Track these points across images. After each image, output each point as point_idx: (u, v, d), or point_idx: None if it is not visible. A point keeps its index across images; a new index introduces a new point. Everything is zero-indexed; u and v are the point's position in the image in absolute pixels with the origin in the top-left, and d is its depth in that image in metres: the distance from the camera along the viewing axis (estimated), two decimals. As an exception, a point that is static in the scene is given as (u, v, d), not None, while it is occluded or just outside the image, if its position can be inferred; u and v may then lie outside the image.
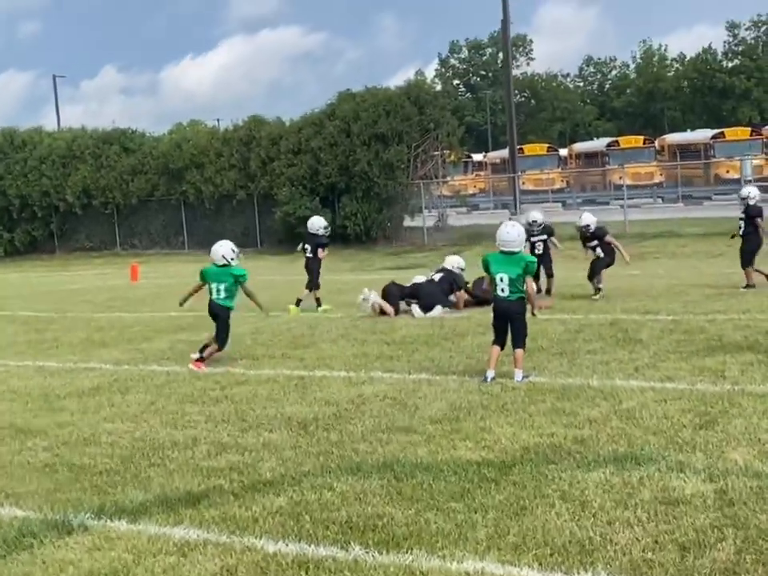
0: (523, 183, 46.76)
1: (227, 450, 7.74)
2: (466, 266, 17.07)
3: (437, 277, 16.77)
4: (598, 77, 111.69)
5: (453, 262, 17.24)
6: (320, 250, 17.98)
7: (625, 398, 8.74)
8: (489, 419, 8.24)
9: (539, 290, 15.96)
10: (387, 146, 36.98)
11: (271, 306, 14.33)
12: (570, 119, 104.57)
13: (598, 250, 17.28)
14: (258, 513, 6.05)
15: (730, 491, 5.92)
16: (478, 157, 68.68)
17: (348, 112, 37.97)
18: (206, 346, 12.14)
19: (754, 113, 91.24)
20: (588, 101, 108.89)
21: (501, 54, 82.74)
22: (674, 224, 32.55)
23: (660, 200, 48.16)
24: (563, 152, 64.71)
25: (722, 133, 53.54)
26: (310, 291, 17.67)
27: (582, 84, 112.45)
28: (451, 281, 16.61)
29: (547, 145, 66.99)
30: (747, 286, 16.99)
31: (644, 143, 57.47)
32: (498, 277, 10.10)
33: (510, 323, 10.12)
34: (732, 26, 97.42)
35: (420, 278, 17.08)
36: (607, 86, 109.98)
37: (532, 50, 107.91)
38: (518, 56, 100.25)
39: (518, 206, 37.68)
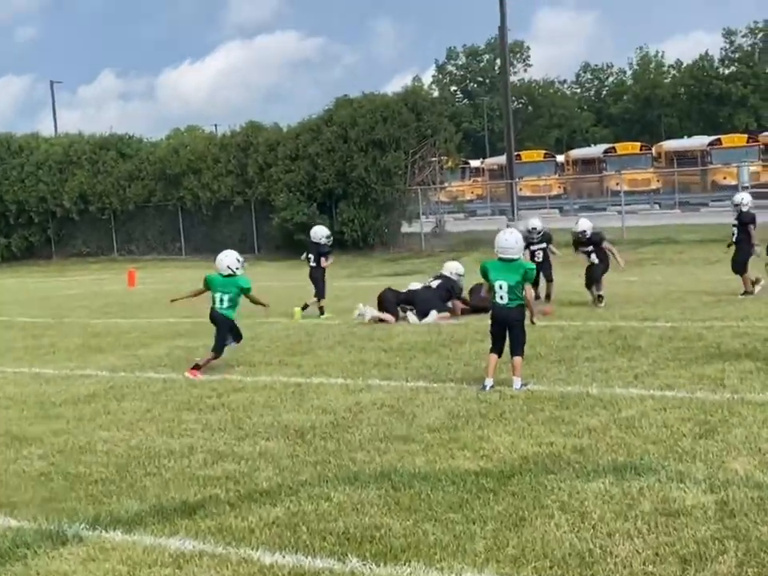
0: (520, 189, 46.72)
1: (223, 458, 7.68)
2: (464, 272, 17.02)
3: (434, 283, 16.72)
4: (595, 83, 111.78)
5: (451, 268, 17.17)
6: (323, 259, 17.99)
7: (624, 406, 8.69)
8: (487, 428, 8.18)
9: (538, 297, 15.92)
10: (384, 152, 36.94)
11: (269, 312, 14.27)
12: (567, 126, 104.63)
13: (593, 255, 17.22)
14: (255, 523, 5.99)
15: (731, 502, 5.87)
16: (475, 163, 68.69)
17: (345, 118, 37.93)
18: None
19: (750, 119, 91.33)
20: (585, 107, 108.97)
21: (498, 61, 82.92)
22: (671, 230, 32.53)
23: (657, 206, 48.15)
24: (560, 158, 64.74)
25: (719, 139, 53.59)
26: (319, 300, 17.73)
27: (579, 90, 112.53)
28: (449, 288, 16.56)
29: (544, 151, 67.01)
30: (745, 293, 16.95)
31: (641, 150, 57.48)
32: (496, 284, 10.05)
33: (508, 330, 10.07)
34: (728, 33, 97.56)
35: (416, 285, 17.04)
36: (604, 92, 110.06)
37: (529, 56, 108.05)
38: (515, 62, 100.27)
39: (515, 212, 37.64)
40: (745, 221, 17.53)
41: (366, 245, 37.35)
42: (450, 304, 16.51)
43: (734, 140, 53.70)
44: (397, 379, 10.74)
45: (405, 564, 5.19)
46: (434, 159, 38.69)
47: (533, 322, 10.47)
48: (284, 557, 5.41)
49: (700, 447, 7.17)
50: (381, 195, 37.16)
